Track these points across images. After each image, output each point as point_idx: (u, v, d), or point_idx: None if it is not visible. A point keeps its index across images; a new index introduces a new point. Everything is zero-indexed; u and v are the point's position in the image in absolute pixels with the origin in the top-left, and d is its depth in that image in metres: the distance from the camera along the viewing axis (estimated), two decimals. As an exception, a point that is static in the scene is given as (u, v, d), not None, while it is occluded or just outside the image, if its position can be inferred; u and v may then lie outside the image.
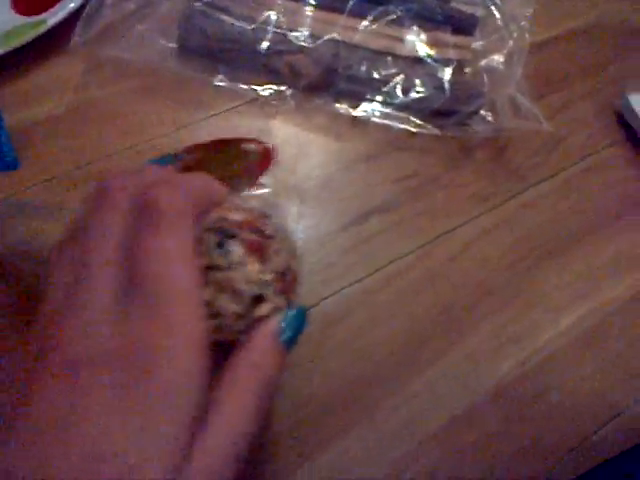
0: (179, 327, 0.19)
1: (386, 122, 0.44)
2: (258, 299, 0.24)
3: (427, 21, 0.47)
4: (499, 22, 0.47)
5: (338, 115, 0.45)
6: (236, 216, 0.25)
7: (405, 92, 0.44)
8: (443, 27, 0.47)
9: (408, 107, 0.44)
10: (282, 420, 0.34)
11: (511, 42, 0.46)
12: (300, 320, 0.25)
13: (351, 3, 0.45)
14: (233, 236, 0.24)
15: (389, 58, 0.44)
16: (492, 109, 0.44)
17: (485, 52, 0.46)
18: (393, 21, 0.46)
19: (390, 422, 0.35)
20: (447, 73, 0.44)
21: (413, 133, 0.44)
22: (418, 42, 0.45)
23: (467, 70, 0.46)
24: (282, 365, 0.23)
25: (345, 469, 0.33)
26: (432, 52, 0.45)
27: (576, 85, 0.49)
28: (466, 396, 0.36)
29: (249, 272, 0.24)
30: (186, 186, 0.22)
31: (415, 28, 0.46)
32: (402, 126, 0.44)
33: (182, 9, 0.44)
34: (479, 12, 0.48)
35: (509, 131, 0.44)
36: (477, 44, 0.47)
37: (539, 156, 0.45)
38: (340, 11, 0.46)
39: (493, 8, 0.48)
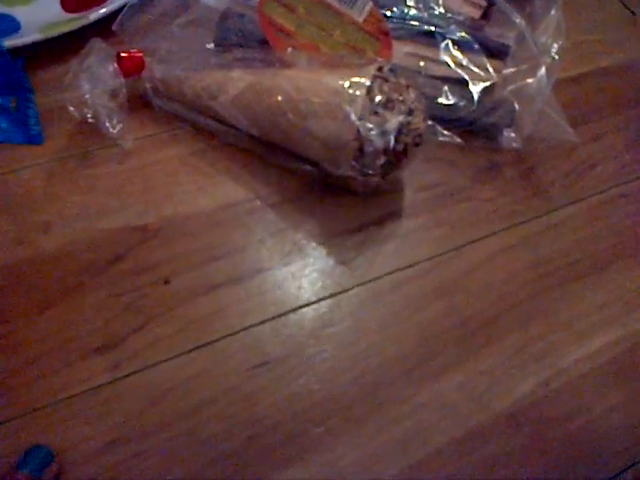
0: None
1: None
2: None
3: (462, 46, 0.47)
4: (531, 51, 0.48)
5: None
6: None
7: (433, 100, 0.43)
8: (477, 52, 0.47)
9: (435, 117, 0.43)
10: (281, 417, 0.32)
11: (542, 69, 0.46)
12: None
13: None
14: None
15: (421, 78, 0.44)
16: (521, 127, 0.44)
17: (516, 78, 0.46)
18: (430, 43, 0.46)
19: (393, 432, 0.32)
20: (478, 88, 0.44)
21: (440, 143, 0.43)
22: (452, 63, 0.45)
23: (497, 91, 0.45)
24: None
25: (339, 475, 0.30)
26: (464, 73, 0.45)
27: (608, 118, 0.48)
28: (479, 412, 0.33)
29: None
30: None
31: (450, 49, 0.46)
32: (429, 136, 0.43)
33: (221, 9, 0.45)
34: (511, 41, 0.48)
35: (537, 149, 0.43)
36: (508, 71, 0.47)
37: (568, 179, 0.44)
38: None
39: (526, 38, 0.48)
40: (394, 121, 0.35)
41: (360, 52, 0.41)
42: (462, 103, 0.44)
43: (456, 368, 0.34)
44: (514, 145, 0.43)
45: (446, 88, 0.44)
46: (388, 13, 0.47)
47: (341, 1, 0.41)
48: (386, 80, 0.36)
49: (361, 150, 0.35)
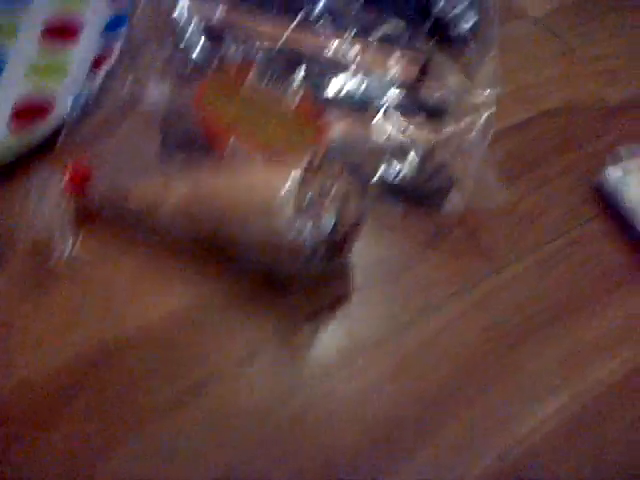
0: None
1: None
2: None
3: (401, 111, 0.48)
4: (469, 104, 0.49)
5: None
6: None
7: (375, 171, 0.44)
8: (415, 114, 0.48)
9: (380, 187, 0.44)
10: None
11: (480, 125, 0.47)
12: None
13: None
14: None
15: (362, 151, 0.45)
16: (462, 188, 0.44)
17: (454, 137, 0.46)
18: (368, 113, 0.47)
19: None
20: (417, 154, 0.45)
21: (386, 213, 0.44)
22: (391, 131, 0.46)
23: (437, 153, 0.46)
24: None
25: None
26: (403, 137, 0.46)
27: (553, 163, 0.49)
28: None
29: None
30: None
31: (389, 117, 0.47)
32: (374, 207, 0.44)
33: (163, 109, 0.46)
34: (449, 99, 0.49)
35: (480, 212, 0.44)
36: (447, 129, 0.48)
37: (513, 235, 0.45)
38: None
39: (462, 94, 0.49)
40: (327, 216, 0.36)
41: (296, 140, 0.42)
42: (404, 171, 0.44)
43: (409, 458, 0.35)
44: (457, 208, 0.44)
45: (387, 157, 0.45)
46: (326, 91, 0.48)
47: (275, 89, 0.42)
48: (318, 170, 0.37)
49: (299, 248, 0.36)
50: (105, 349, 0.38)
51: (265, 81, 0.42)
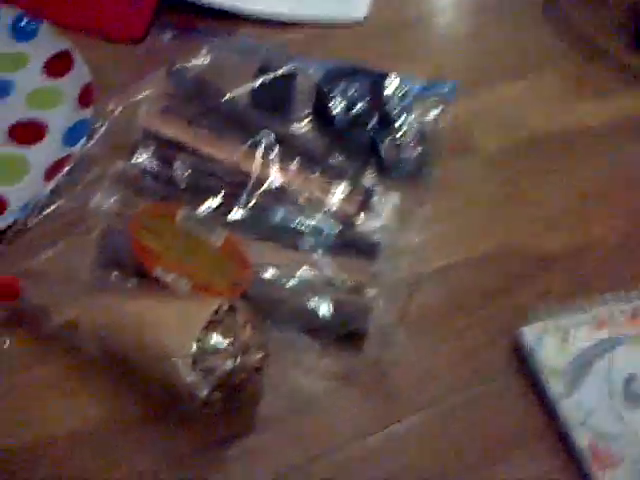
0: None
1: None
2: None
3: (332, 245, 0.50)
4: (398, 248, 0.50)
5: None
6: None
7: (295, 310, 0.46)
8: (347, 251, 0.50)
9: (298, 325, 0.46)
10: None
11: (403, 269, 0.49)
12: None
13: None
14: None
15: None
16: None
17: (378, 279, 0.48)
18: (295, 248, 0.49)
19: None
20: (338, 295, 0.47)
21: (302, 350, 0.45)
22: (316, 268, 0.48)
23: (360, 295, 0.47)
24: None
25: None
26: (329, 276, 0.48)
27: (472, 313, 0.49)
28: None
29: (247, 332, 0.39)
30: None
31: (316, 253, 0.49)
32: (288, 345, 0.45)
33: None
34: (381, 238, 0.51)
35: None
36: (375, 268, 0.49)
37: (418, 386, 0.45)
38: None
39: (395, 234, 0.51)
40: (221, 368, 0.37)
41: (219, 275, 0.44)
42: (323, 312, 0.46)
43: None
44: (371, 352, 0.45)
45: (309, 296, 0.46)
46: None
47: (201, 230, 0.44)
48: (222, 321, 0.39)
49: (194, 393, 0.37)
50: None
51: (194, 219, 0.44)
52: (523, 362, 0.47)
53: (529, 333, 0.47)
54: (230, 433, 0.42)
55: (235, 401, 0.39)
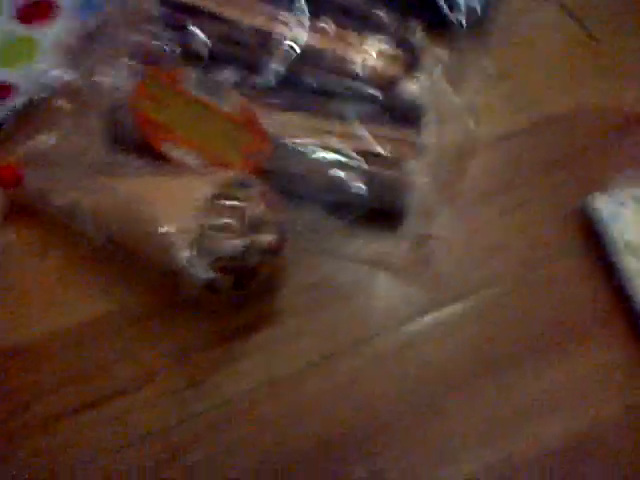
0: None
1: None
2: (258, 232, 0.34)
3: (370, 113, 0.43)
4: (447, 113, 0.43)
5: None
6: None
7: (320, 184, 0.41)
8: (383, 119, 0.43)
9: (324, 203, 0.41)
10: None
11: (455, 135, 0.42)
12: None
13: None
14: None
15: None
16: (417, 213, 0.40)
17: (420, 149, 0.42)
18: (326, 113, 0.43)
19: None
20: (373, 167, 0.41)
21: (329, 234, 0.40)
22: (348, 137, 0.42)
23: (396, 168, 0.41)
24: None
25: None
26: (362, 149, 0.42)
27: (534, 185, 0.43)
28: None
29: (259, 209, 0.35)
30: None
31: (346, 120, 0.42)
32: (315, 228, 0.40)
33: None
34: (425, 102, 0.44)
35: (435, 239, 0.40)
36: (420, 138, 0.43)
37: (464, 268, 0.40)
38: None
39: (442, 97, 0.44)
40: (226, 248, 0.33)
41: (233, 146, 0.40)
42: (353, 187, 0.40)
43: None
44: (411, 232, 0.40)
45: (335, 169, 0.41)
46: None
47: (210, 95, 0.39)
48: (230, 197, 0.35)
49: (193, 277, 0.34)
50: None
51: (204, 83, 0.39)
52: (593, 239, 0.40)
53: (603, 205, 0.40)
54: (245, 325, 0.39)
55: (249, 289, 0.36)
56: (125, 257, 0.39)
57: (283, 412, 0.36)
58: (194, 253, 0.32)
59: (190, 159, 0.40)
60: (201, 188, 0.34)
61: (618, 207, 0.39)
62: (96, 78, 0.45)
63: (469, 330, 0.38)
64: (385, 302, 0.39)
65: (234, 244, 0.33)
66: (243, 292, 0.36)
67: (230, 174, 0.36)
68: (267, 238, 0.35)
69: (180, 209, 0.34)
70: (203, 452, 0.35)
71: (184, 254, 0.32)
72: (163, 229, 0.33)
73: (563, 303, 0.39)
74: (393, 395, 0.36)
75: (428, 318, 0.39)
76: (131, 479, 0.34)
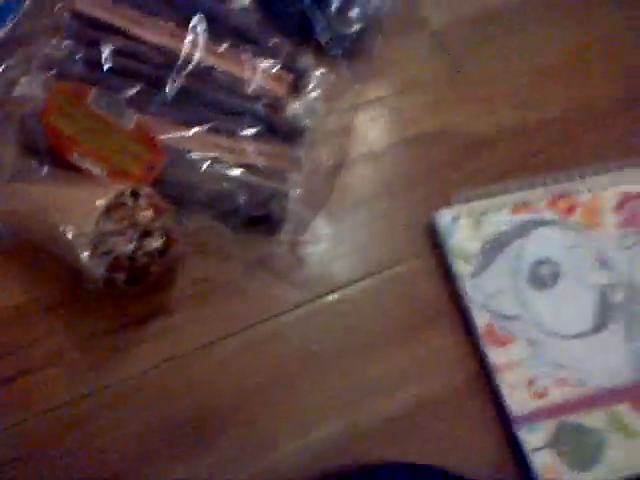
0: None
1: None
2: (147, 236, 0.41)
3: (256, 130, 0.49)
4: (324, 131, 0.50)
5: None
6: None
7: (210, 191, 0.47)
8: (268, 134, 0.49)
9: (212, 209, 0.47)
10: None
11: (330, 154, 0.49)
12: None
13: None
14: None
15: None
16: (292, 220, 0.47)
17: (299, 163, 0.48)
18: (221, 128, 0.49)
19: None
20: (253, 177, 0.47)
21: (217, 235, 0.47)
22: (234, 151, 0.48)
23: (275, 180, 0.48)
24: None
25: None
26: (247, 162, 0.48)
27: (396, 196, 0.50)
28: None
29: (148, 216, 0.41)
30: None
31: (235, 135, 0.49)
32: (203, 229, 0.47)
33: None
34: (307, 121, 0.50)
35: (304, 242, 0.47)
36: (299, 154, 0.49)
37: (336, 266, 0.48)
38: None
39: (322, 117, 0.50)
40: (118, 250, 0.40)
41: (132, 159, 0.45)
42: (239, 195, 0.47)
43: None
44: (286, 240, 0.47)
45: (222, 183, 0.47)
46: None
47: (110, 111, 0.44)
48: (123, 206, 0.40)
49: (93, 274, 0.40)
50: None
51: (105, 100, 0.44)
52: (437, 246, 0.48)
53: (443, 216, 0.48)
54: (142, 314, 0.45)
55: (141, 285, 0.42)
56: (35, 254, 0.45)
57: (172, 387, 0.43)
58: (92, 253, 0.39)
59: (96, 170, 0.45)
60: (102, 196, 0.40)
61: (455, 220, 0.47)
62: (9, 87, 0.49)
63: (334, 321, 0.46)
64: (263, 297, 0.46)
65: (126, 247, 0.39)
66: (136, 287, 0.42)
67: (126, 184, 0.41)
68: (155, 242, 0.41)
69: (82, 214, 0.40)
70: (102, 422, 0.42)
71: (84, 254, 0.38)
72: (68, 232, 0.39)
73: (410, 298, 0.47)
74: (262, 375, 0.44)
75: (300, 310, 0.46)
76: (36, 445, 0.41)
